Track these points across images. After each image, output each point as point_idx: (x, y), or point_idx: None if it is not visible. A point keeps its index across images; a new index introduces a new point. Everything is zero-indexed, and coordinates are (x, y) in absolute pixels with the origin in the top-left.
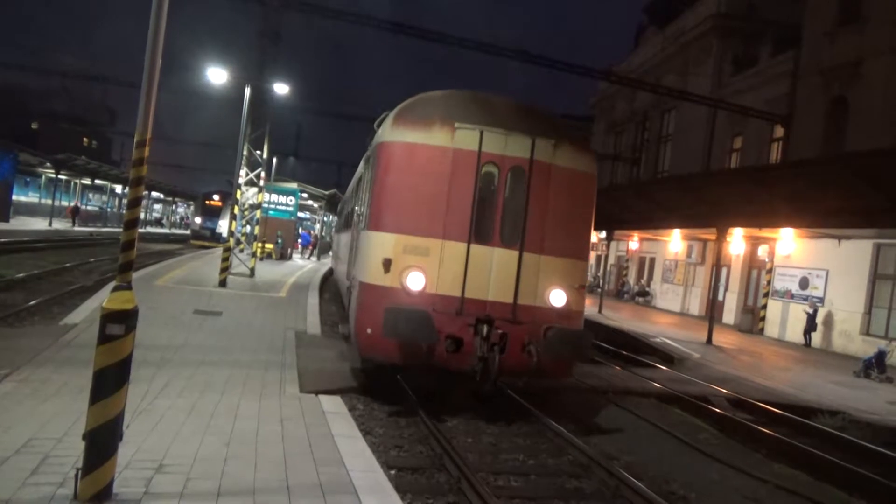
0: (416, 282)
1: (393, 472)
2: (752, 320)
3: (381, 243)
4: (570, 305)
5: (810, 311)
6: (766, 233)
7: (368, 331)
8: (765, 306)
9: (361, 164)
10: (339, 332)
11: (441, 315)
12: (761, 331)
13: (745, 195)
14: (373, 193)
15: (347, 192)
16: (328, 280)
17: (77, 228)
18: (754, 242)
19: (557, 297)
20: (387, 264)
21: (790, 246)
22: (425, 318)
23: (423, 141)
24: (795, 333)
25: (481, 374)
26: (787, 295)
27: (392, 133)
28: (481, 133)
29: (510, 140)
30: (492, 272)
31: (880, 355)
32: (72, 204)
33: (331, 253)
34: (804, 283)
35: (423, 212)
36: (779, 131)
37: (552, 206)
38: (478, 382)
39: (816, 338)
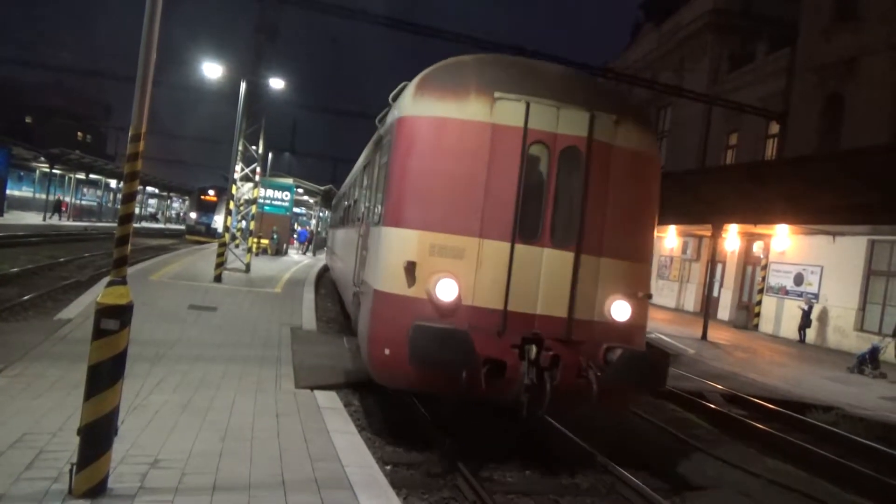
0: (447, 291)
1: (388, 467)
2: (746, 316)
3: (401, 243)
4: (634, 320)
5: (805, 307)
6: (761, 229)
7: (386, 352)
8: (759, 302)
9: (368, 148)
10: (347, 346)
11: (479, 333)
12: (756, 327)
13: (741, 192)
14: (390, 181)
15: (346, 183)
16: (324, 276)
17: (63, 223)
18: (749, 239)
19: (620, 310)
20: (410, 269)
21: (785, 242)
22: (464, 340)
23: (454, 115)
24: (790, 329)
25: (528, 407)
26: (782, 291)
27: (415, 105)
28: (528, 105)
29: (563, 114)
30: (541, 279)
31: (874, 351)
32: (55, 198)
33: (326, 249)
34: (799, 280)
35: (455, 203)
36: (774, 128)
37: (613, 197)
38: (520, 414)
39: (811, 334)
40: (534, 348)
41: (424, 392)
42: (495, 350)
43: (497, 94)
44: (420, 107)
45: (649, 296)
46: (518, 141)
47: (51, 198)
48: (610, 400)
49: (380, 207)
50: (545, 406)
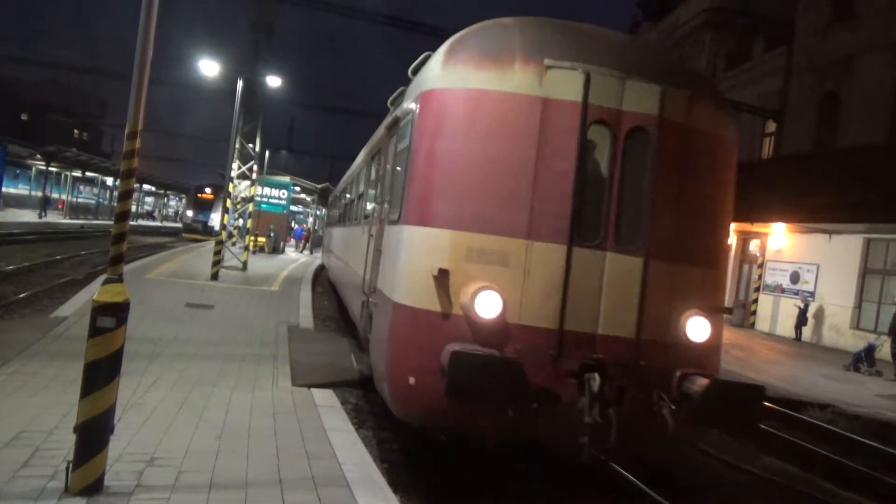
0: (489, 307)
1: (386, 465)
2: (743, 314)
3: (429, 246)
4: (712, 340)
5: (801, 305)
6: (757, 227)
7: (411, 381)
8: (756, 300)
9: (377, 135)
10: (353, 363)
11: (528, 360)
12: (752, 325)
13: (737, 190)
14: (412, 170)
15: (346, 179)
16: (320, 274)
17: (51, 220)
18: (745, 237)
19: (697, 329)
20: (441, 279)
21: (781, 240)
22: (517, 370)
23: (495, 86)
24: (786, 328)
25: (588, 450)
26: (778, 289)
27: (446, 75)
28: (587, 75)
29: (629, 88)
30: (603, 291)
31: (870, 349)
32: (44, 194)
33: (322, 248)
34: (795, 278)
35: (497, 196)
36: (771, 126)
37: (688, 189)
38: (580, 459)
39: (807, 332)
40: (596, 377)
41: (459, 433)
42: (548, 380)
43: (548, 62)
44: (452, 77)
45: (728, 310)
46: (574, 119)
47: (34, 194)
48: (684, 439)
49: (398, 203)
50: (610, 448)
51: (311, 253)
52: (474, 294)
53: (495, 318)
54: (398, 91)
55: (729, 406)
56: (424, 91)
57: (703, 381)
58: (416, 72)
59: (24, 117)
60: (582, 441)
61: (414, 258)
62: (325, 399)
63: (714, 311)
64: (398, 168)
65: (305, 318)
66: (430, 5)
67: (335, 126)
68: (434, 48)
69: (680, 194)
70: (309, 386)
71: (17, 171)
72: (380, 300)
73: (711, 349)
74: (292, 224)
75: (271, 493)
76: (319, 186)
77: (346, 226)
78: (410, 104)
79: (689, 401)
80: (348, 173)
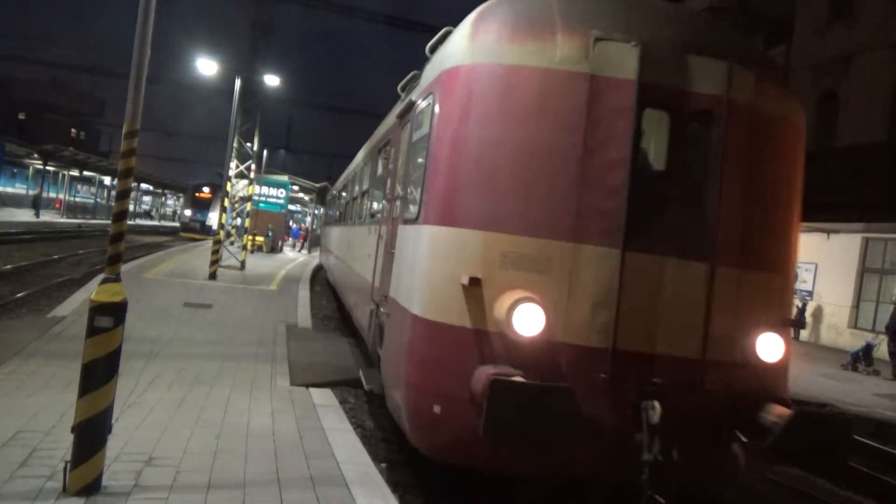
0: (529, 322)
1: (384, 465)
2: None
3: (457, 249)
4: (784, 359)
5: (799, 304)
6: None
7: (435, 409)
8: None
9: (385, 126)
10: (364, 385)
11: (576, 384)
12: None
13: None
14: (433, 160)
15: (346, 175)
16: (318, 274)
17: (37, 219)
18: None
19: (770, 346)
20: (472, 289)
21: None
22: (569, 401)
23: (533, 61)
24: None
25: (648, 489)
26: None
27: (474, 49)
28: (643, 49)
29: (692, 65)
30: (662, 303)
31: (868, 348)
32: (34, 192)
33: (320, 247)
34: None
35: (536, 191)
36: None
37: (757, 181)
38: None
39: (805, 331)
40: (656, 406)
41: (495, 472)
42: (600, 409)
43: (596, 33)
44: (481, 51)
45: (798, 323)
46: (628, 99)
47: (31, 193)
48: (756, 474)
49: (416, 200)
50: (672, 487)
51: (309, 252)
52: (512, 307)
53: (537, 336)
54: (410, 75)
55: (816, 441)
56: (448, 69)
57: (781, 411)
58: (434, 49)
59: (21, 116)
60: (642, 478)
61: (438, 264)
62: (324, 398)
63: (785, 325)
64: (415, 160)
65: (304, 317)
66: (429, 5)
67: (333, 125)
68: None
69: (749, 188)
70: (307, 385)
71: (15, 171)
72: (394, 311)
73: (782, 370)
74: (290, 223)
75: (270, 493)
76: (317, 186)
77: (348, 225)
78: (430, 85)
79: (765, 433)
80: (349, 169)
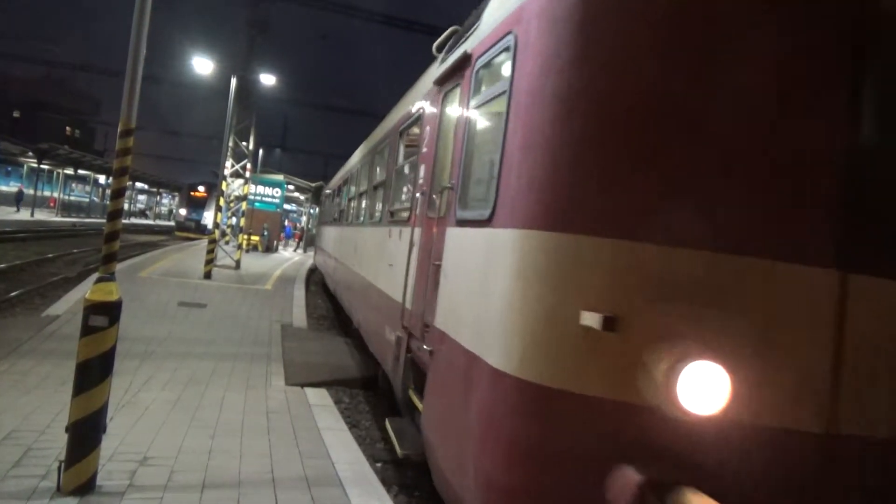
0: (703, 390)
1: (379, 464)
2: None
3: (567, 269)
4: None
5: None
6: None
7: None
8: None
9: (412, 99)
10: (396, 448)
11: (778, 495)
12: None
13: None
14: (518, 130)
15: (351, 166)
16: (314, 273)
17: (19, 217)
18: None
19: None
20: (602, 334)
21: None
22: None
23: None
24: None
25: None
26: None
27: None
28: None
29: None
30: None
31: None
32: (17, 189)
33: (315, 248)
34: None
35: (700, 175)
36: None
37: None
38: None
39: None
40: None
41: None
42: None
43: None
44: None
45: None
46: (844, 15)
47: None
48: None
49: (483, 190)
50: None
51: (305, 252)
52: (674, 367)
53: (716, 415)
54: (450, 30)
55: None
56: (527, 1)
57: None
58: None
59: (15, 114)
60: None
61: (535, 292)
62: (319, 398)
63: None
64: (476, 135)
65: (299, 317)
66: (427, 5)
67: (329, 125)
68: (431, 48)
69: None
70: (302, 385)
71: (9, 169)
72: (448, 352)
73: None
74: (285, 222)
75: (264, 493)
76: (313, 185)
77: (353, 225)
78: (504, 25)
79: None
80: (353, 161)
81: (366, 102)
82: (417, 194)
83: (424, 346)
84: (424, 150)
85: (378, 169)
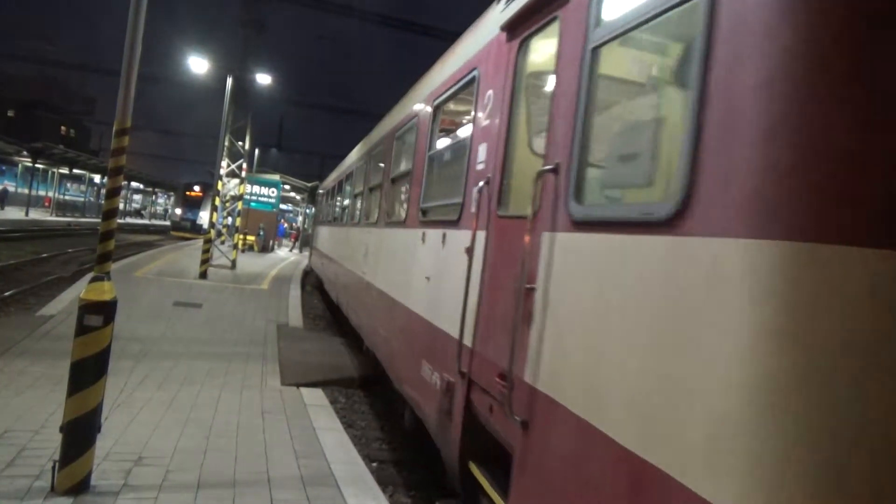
0: None
1: (374, 464)
2: None
3: None
4: None
5: None
6: None
7: None
8: None
9: (463, 51)
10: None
11: None
12: None
13: None
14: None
15: (358, 155)
16: (311, 273)
17: (8, 217)
18: None
19: None
20: None
21: None
22: None
23: None
24: None
25: None
26: None
27: None
28: None
29: None
30: None
31: None
32: (1, 187)
33: (311, 250)
34: None
35: None
36: None
37: None
38: None
39: None
40: None
41: None
42: None
43: None
44: None
45: None
46: None
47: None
48: None
49: (640, 174)
50: None
51: (301, 251)
52: None
53: None
54: None
55: None
56: None
57: None
58: None
59: (10, 113)
60: None
61: (832, 370)
62: (315, 398)
63: None
64: (610, 87)
65: (295, 316)
66: (426, 5)
67: (325, 125)
68: (430, 48)
69: None
70: (298, 385)
71: (3, 168)
72: (572, 439)
73: None
74: (281, 221)
75: (260, 492)
76: (309, 185)
77: (361, 226)
78: None
79: None
80: (359, 152)
81: (363, 102)
82: (480, 183)
83: (513, 415)
84: (484, 122)
85: (399, 157)
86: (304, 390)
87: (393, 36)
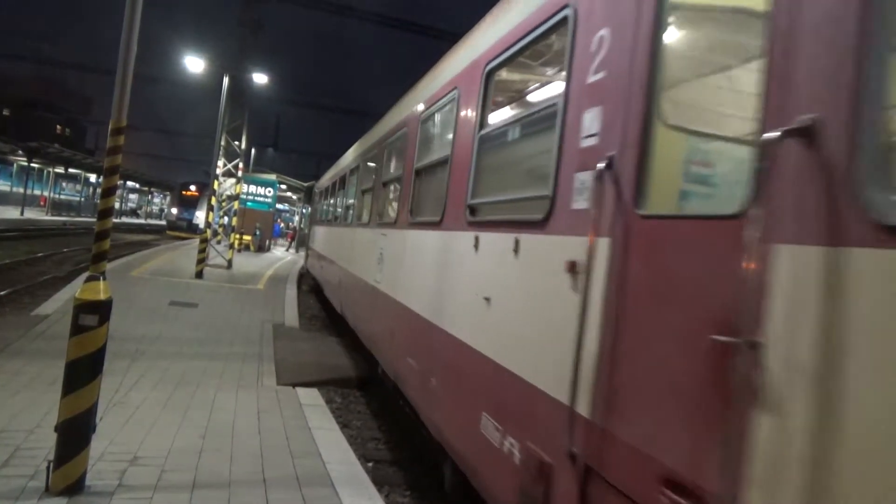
0: None
1: (370, 464)
2: None
3: None
4: None
5: None
6: None
7: None
8: None
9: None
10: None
11: None
12: None
13: None
14: None
15: (371, 142)
16: (307, 273)
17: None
18: None
19: None
20: None
21: None
22: None
23: None
24: None
25: None
26: None
27: None
28: None
29: None
30: None
31: None
32: None
33: (308, 251)
34: None
35: None
36: None
37: None
38: None
39: None
40: None
41: None
42: None
43: None
44: None
45: None
46: None
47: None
48: None
49: None
50: None
51: (297, 251)
52: None
53: None
54: None
55: None
56: None
57: None
58: None
59: (5, 112)
60: None
61: None
62: (310, 398)
63: None
64: None
65: (291, 316)
66: (424, 5)
67: (322, 124)
68: (429, 48)
69: None
70: (294, 385)
71: None
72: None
73: None
74: (277, 220)
75: (255, 492)
76: (305, 185)
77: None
78: None
79: None
80: (369, 141)
81: (361, 103)
82: (599, 165)
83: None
84: (591, 78)
85: (429, 140)
86: (299, 390)
87: (392, 35)
